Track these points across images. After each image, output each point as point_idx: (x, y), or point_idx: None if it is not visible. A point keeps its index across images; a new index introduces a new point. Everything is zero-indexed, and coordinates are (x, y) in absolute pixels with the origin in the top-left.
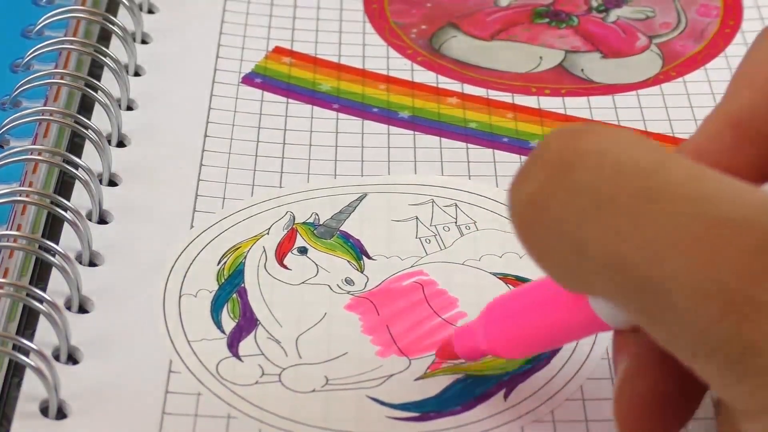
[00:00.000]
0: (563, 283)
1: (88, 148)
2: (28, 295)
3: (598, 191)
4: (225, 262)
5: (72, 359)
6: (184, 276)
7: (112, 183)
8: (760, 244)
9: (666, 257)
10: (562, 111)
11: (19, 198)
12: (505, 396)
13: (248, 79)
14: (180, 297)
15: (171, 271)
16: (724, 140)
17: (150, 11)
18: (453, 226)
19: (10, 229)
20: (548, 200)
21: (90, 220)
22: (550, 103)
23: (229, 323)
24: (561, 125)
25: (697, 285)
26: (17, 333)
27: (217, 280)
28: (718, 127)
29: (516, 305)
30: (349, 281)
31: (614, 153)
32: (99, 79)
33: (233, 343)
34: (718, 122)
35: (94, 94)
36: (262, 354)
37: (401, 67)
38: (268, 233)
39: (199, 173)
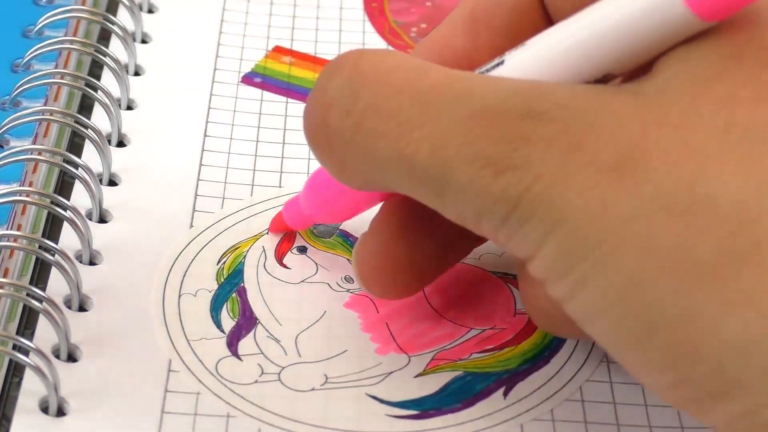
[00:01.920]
0: (364, 187)
1: (88, 147)
2: (28, 294)
3: (381, 108)
4: (224, 262)
5: (72, 358)
6: (184, 275)
7: (112, 183)
8: (509, 122)
9: (444, 144)
10: None
11: (19, 198)
12: (505, 394)
13: (248, 79)
14: (180, 296)
15: (170, 270)
16: (464, 31)
17: (150, 11)
18: None
19: (10, 229)
20: (342, 124)
21: (90, 219)
22: None
23: (228, 322)
24: None
25: (471, 160)
26: (17, 332)
27: (217, 280)
28: (456, 22)
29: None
30: (348, 279)
31: (388, 72)
32: (99, 79)
33: (233, 342)
34: (456, 18)
35: (94, 93)
36: (262, 353)
37: None
38: (267, 233)
39: (199, 173)
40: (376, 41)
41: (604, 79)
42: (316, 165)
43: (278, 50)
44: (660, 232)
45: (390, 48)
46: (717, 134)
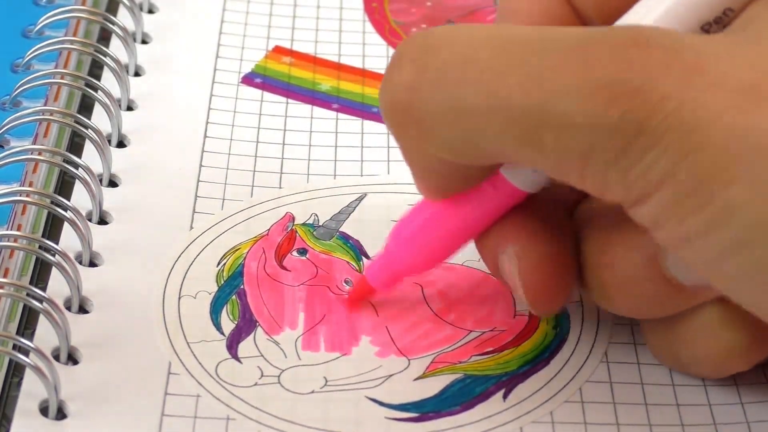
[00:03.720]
0: (455, 154)
1: (88, 148)
2: (28, 295)
3: (465, 58)
4: (224, 264)
5: (72, 359)
6: (184, 277)
7: (112, 183)
8: (615, 49)
9: (543, 78)
10: None
11: (19, 198)
12: (504, 396)
13: (248, 79)
14: (179, 298)
15: (170, 272)
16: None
17: (150, 11)
18: None
19: (10, 229)
20: (423, 81)
21: (90, 220)
22: None
23: (228, 325)
24: None
25: (578, 88)
26: (17, 333)
27: (217, 282)
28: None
29: (421, 219)
30: (348, 282)
31: (464, 32)
32: (99, 79)
33: (232, 345)
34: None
35: (94, 94)
36: (262, 355)
37: None
38: (267, 234)
39: (199, 174)
40: (376, 41)
41: None
42: (315, 166)
43: (278, 50)
44: None
45: (391, 48)
46: None
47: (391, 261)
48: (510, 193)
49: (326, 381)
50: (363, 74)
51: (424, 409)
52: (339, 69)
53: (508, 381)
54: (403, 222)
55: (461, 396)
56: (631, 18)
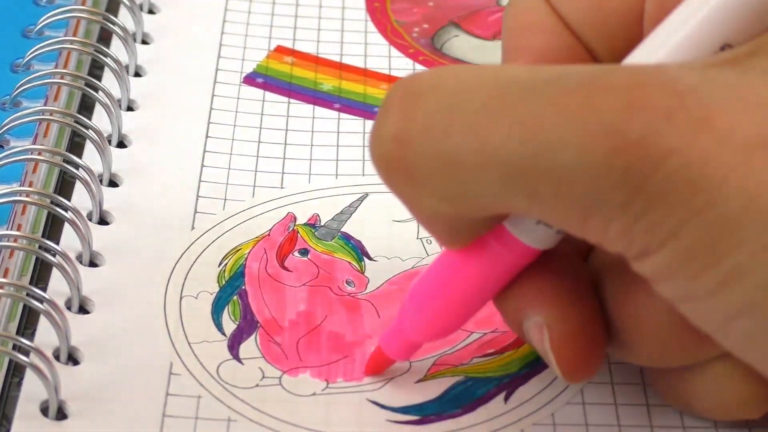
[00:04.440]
0: (450, 206)
1: (89, 148)
2: (28, 295)
3: (452, 105)
4: (226, 264)
5: (72, 360)
6: (185, 277)
7: (113, 184)
8: (615, 94)
9: (539, 126)
10: None
11: (19, 198)
12: (506, 398)
13: (250, 79)
14: (181, 299)
15: (172, 272)
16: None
17: (151, 11)
18: None
19: (10, 229)
20: (410, 132)
21: (90, 220)
22: None
23: (230, 325)
24: None
25: (577, 140)
26: (17, 333)
27: (218, 282)
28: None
29: (432, 284)
30: (350, 283)
31: (451, 75)
32: (99, 79)
33: (234, 346)
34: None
35: (95, 94)
36: (263, 357)
37: (403, 66)
38: (269, 235)
39: (200, 174)
40: (378, 41)
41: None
42: (316, 165)
43: (280, 50)
44: None
45: (393, 48)
46: None
47: (405, 330)
48: (521, 251)
49: (327, 383)
50: (365, 74)
51: (426, 412)
52: (341, 69)
53: (509, 383)
54: (414, 289)
55: (462, 398)
56: (637, 56)
